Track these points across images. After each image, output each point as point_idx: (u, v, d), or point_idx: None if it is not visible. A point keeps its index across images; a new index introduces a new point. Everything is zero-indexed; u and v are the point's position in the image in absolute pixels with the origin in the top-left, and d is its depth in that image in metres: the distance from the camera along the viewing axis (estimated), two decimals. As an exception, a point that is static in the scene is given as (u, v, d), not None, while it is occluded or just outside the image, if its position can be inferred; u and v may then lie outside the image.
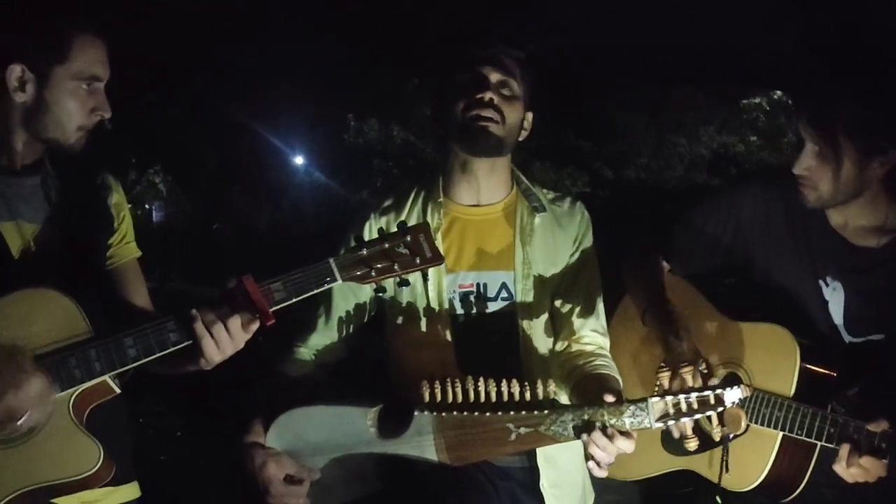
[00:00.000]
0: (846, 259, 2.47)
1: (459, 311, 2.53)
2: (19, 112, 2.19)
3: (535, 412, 2.17)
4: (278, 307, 2.11)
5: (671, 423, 2.12)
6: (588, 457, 2.17)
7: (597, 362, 2.47)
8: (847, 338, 2.48)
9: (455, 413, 2.20)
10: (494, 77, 2.51)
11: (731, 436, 2.36)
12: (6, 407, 1.97)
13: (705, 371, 2.37)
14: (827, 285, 2.49)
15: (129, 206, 2.47)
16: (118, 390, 2.15)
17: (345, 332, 2.62)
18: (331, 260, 2.14)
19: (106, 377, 2.09)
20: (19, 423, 1.99)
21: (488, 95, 2.48)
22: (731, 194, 2.66)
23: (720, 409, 2.09)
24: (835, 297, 2.48)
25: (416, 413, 2.27)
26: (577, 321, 2.54)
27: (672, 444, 2.50)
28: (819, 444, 2.29)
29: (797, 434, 2.30)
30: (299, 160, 12.07)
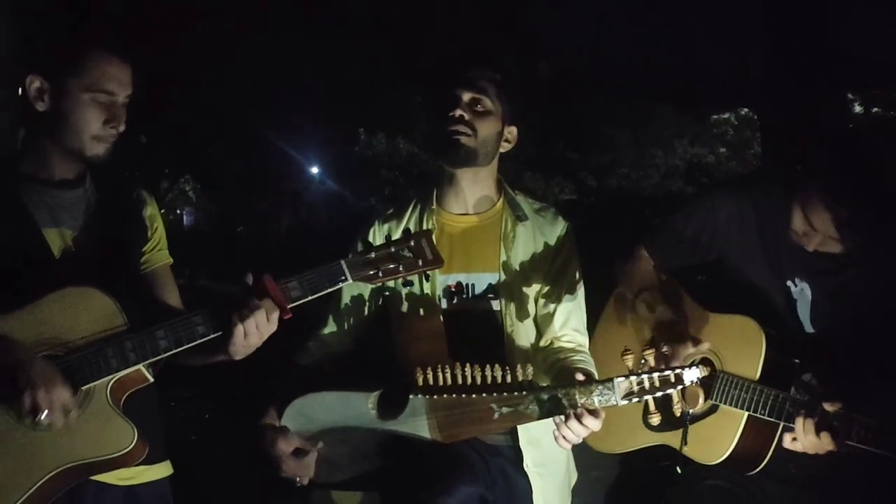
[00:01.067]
0: (812, 261, 2.47)
1: (450, 307, 2.54)
2: (43, 122, 2.20)
3: (516, 393, 2.20)
4: (295, 304, 2.13)
5: (635, 399, 2.15)
6: (557, 436, 2.22)
7: (575, 357, 2.48)
8: (811, 331, 2.49)
9: (445, 395, 2.23)
10: (466, 96, 2.54)
11: (690, 412, 2.37)
12: (32, 403, 1.96)
13: (667, 353, 2.41)
14: (795, 286, 2.49)
15: (162, 211, 2.47)
16: (151, 379, 2.17)
17: (352, 326, 2.64)
18: (342, 262, 2.16)
19: (140, 366, 2.10)
20: (39, 419, 1.97)
21: (458, 112, 2.50)
22: (709, 201, 2.66)
23: (680, 387, 2.13)
24: (802, 298, 2.49)
25: (410, 396, 2.29)
26: (558, 321, 2.55)
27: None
28: (781, 423, 2.30)
29: (761, 414, 2.32)
30: (314, 170, 12.06)
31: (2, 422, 2.03)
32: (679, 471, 2.40)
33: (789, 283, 2.50)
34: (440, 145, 2.55)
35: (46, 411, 1.96)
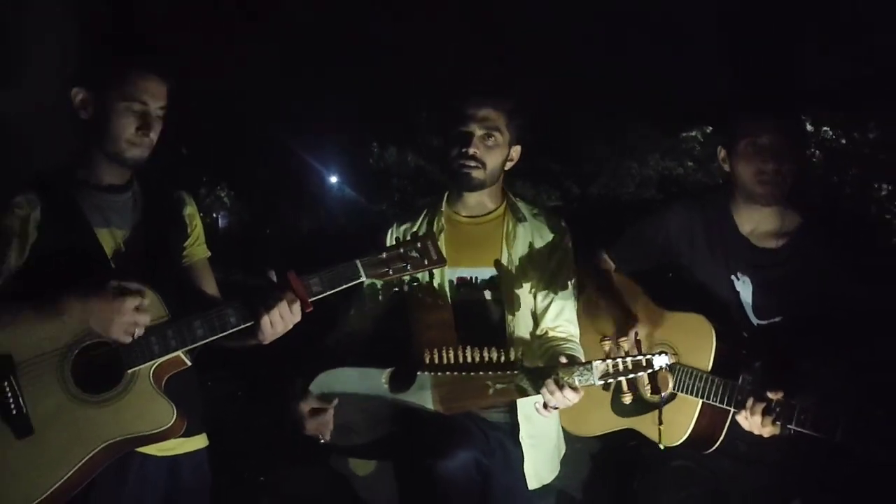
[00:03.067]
0: (752, 258, 2.48)
1: (458, 297, 2.55)
2: (87, 130, 2.19)
3: (508, 372, 2.23)
4: (316, 298, 2.13)
5: (611, 380, 2.16)
6: (538, 407, 2.23)
7: (566, 346, 2.49)
8: (755, 321, 2.47)
9: (447, 373, 2.25)
10: (479, 132, 2.53)
11: (664, 395, 2.37)
12: (124, 327, 2.01)
13: (638, 339, 2.41)
14: (738, 279, 2.48)
15: (201, 214, 2.47)
16: (189, 363, 2.16)
17: (369, 314, 2.65)
18: (357, 261, 2.16)
19: (179, 352, 2.10)
20: (134, 333, 2.02)
21: (472, 150, 2.51)
22: (662, 212, 2.65)
23: (650, 370, 2.15)
24: (744, 289, 2.48)
25: (418, 373, 2.31)
26: (552, 313, 2.55)
27: (618, 407, 2.52)
28: (731, 409, 2.30)
29: (713, 401, 2.32)
30: (334, 179, 12.06)
31: (60, 399, 2.03)
32: (662, 447, 2.39)
33: (733, 276, 2.49)
34: (453, 173, 2.57)
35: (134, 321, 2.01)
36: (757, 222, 2.50)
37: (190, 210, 2.40)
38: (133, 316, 2.02)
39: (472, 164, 2.52)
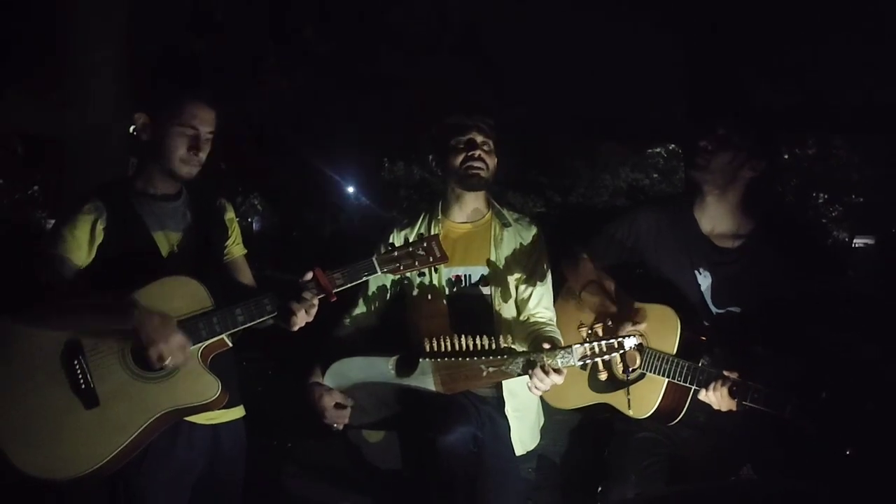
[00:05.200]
0: (712, 255, 2.49)
1: (452, 293, 2.55)
2: (146, 149, 2.22)
3: (499, 357, 2.23)
4: (339, 290, 2.15)
5: (589, 361, 2.19)
6: (530, 386, 2.24)
7: (546, 328, 2.50)
8: (714, 310, 2.48)
9: (446, 359, 2.25)
10: (479, 139, 2.56)
11: (631, 370, 2.38)
12: (158, 352, 2.00)
13: (612, 326, 2.43)
14: (700, 273, 2.49)
15: (238, 219, 2.49)
16: (231, 344, 2.18)
17: (376, 307, 2.65)
18: (373, 258, 2.18)
19: (223, 336, 2.13)
20: (165, 363, 2.01)
21: (478, 153, 2.53)
22: (632, 214, 2.66)
23: (622, 351, 2.18)
24: (705, 282, 2.48)
25: (420, 360, 2.32)
26: (533, 302, 2.56)
27: (595, 384, 2.53)
28: (692, 387, 2.31)
29: (677, 380, 2.33)
30: (350, 189, 12.10)
31: (122, 376, 2.05)
32: (631, 414, 2.39)
33: (695, 271, 2.49)
34: (461, 176, 2.56)
35: (170, 357, 2.00)
36: (715, 223, 2.50)
37: (230, 215, 2.41)
38: (165, 350, 2.01)
39: (479, 164, 2.53)
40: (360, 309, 2.64)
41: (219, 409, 2.13)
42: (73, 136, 3.84)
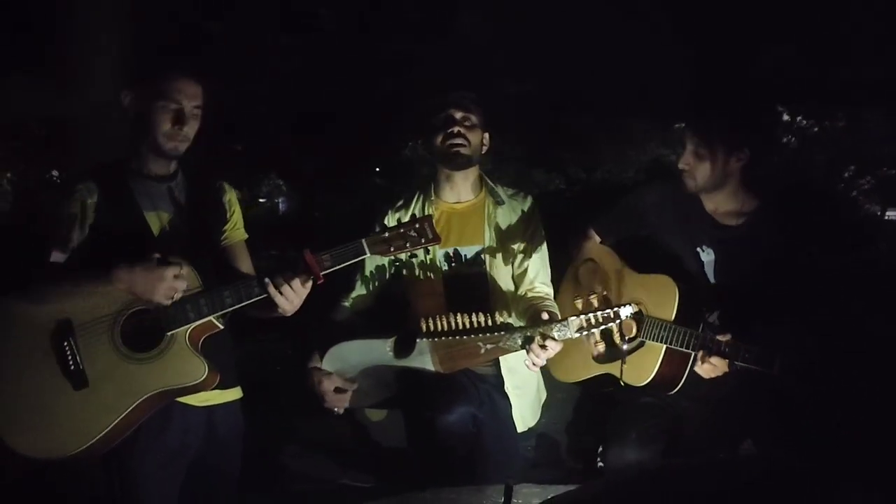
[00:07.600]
0: (715, 234, 2.48)
1: (448, 271, 2.53)
2: (134, 126, 2.20)
3: (496, 333, 2.22)
4: (326, 272, 2.11)
5: (585, 333, 2.17)
6: (527, 363, 2.22)
7: (544, 303, 2.48)
8: (715, 285, 2.48)
9: (443, 338, 2.23)
10: (458, 115, 2.52)
11: (627, 338, 2.36)
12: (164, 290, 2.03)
13: (608, 296, 2.45)
14: (703, 251, 2.48)
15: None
16: (221, 327, 2.16)
17: (373, 288, 2.63)
18: (363, 240, 2.14)
19: (211, 318, 2.11)
20: (174, 296, 2.05)
21: (456, 129, 2.50)
22: (637, 192, 2.67)
23: (618, 321, 2.16)
24: (707, 258, 2.48)
25: (418, 340, 2.29)
26: (529, 276, 2.54)
27: (597, 355, 2.52)
28: (692, 352, 2.30)
29: (675, 346, 2.33)
30: (376, 169, 12.21)
31: (111, 357, 2.05)
32: (623, 384, 2.39)
33: (698, 249, 2.49)
34: (444, 155, 2.53)
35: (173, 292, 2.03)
36: (717, 203, 2.50)
37: (229, 197, 2.38)
38: (172, 282, 2.04)
39: (459, 141, 2.50)
40: (359, 291, 2.63)
41: (209, 390, 2.12)
42: (82, 116, 3.87)
